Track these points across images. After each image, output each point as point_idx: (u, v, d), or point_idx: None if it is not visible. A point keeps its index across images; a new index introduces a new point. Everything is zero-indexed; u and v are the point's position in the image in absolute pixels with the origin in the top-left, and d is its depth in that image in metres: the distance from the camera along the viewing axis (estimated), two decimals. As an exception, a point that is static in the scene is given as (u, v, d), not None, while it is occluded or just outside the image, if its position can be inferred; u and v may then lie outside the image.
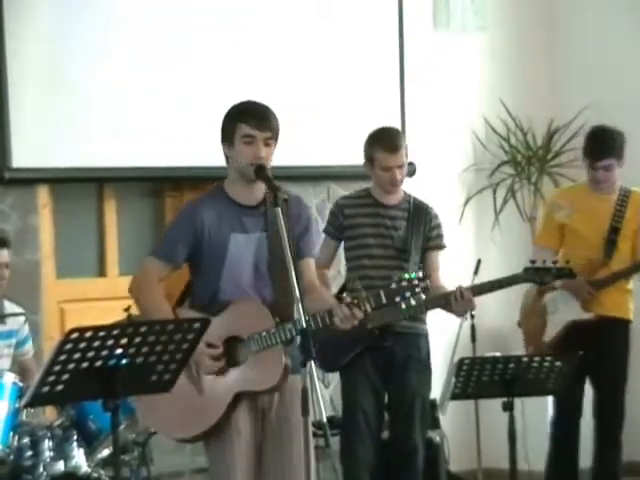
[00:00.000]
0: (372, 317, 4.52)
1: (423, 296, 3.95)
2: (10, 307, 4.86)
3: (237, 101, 4.06)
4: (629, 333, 5.37)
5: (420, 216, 4.96)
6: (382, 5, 6.36)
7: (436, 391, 5.22)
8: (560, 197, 5.70)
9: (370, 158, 4.91)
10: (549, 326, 5.34)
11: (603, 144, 5.34)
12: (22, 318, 4.88)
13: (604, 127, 5.46)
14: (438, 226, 5.01)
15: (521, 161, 6.59)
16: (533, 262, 4.90)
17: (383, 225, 4.92)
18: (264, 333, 3.84)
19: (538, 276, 4.88)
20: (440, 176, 6.42)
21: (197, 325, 3.67)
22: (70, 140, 5.49)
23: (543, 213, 5.78)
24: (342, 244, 4.99)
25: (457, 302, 4.74)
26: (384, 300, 3.86)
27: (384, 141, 4.90)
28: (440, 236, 5.00)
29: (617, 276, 5.26)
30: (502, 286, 4.91)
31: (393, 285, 3.85)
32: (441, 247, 5.00)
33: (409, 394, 4.92)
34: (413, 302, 3.89)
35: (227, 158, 4.03)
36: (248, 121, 3.95)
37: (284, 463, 3.94)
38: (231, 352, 3.93)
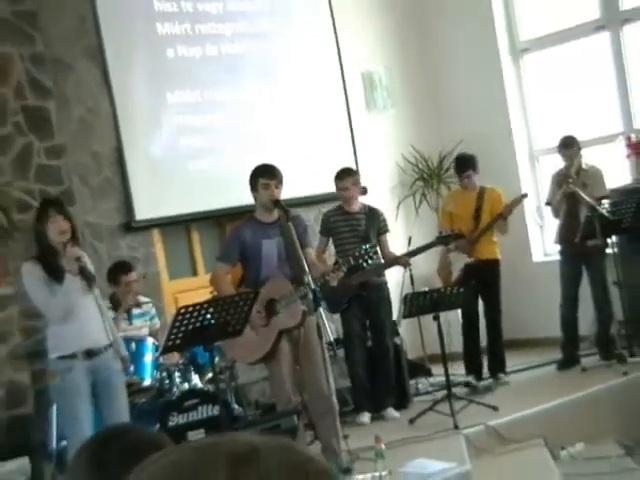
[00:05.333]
0: (356, 276, 4.55)
1: (375, 257, 4.01)
2: (144, 298, 4.84)
3: (259, 163, 4.11)
4: (499, 267, 5.25)
5: (373, 216, 4.95)
6: (335, 98, 6.24)
7: (395, 314, 5.21)
8: (448, 197, 5.69)
9: (335, 186, 4.93)
10: (455, 272, 5.24)
11: (465, 163, 5.31)
12: (150, 304, 4.84)
13: (464, 154, 5.45)
14: (384, 220, 5.01)
15: (427, 178, 6.51)
16: (440, 232, 4.96)
17: (352, 225, 4.90)
18: (288, 294, 3.85)
19: (444, 240, 4.92)
20: (381, 192, 6.34)
21: (252, 295, 3.71)
22: (168, 200, 5.40)
23: (440, 208, 5.72)
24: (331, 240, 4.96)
25: (401, 262, 4.82)
26: (352, 262, 3.89)
27: (340, 175, 4.92)
28: (386, 225, 5.00)
29: (481, 232, 5.17)
30: (424, 249, 4.96)
31: (356, 254, 3.89)
32: (388, 231, 4.99)
33: (381, 319, 4.92)
34: (370, 261, 3.93)
35: (255, 198, 4.05)
36: (264, 175, 3.99)
37: (312, 365, 3.96)
38: (271, 308, 3.94)
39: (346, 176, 4.87)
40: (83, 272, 3.51)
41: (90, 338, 3.52)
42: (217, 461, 0.48)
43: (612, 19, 6.04)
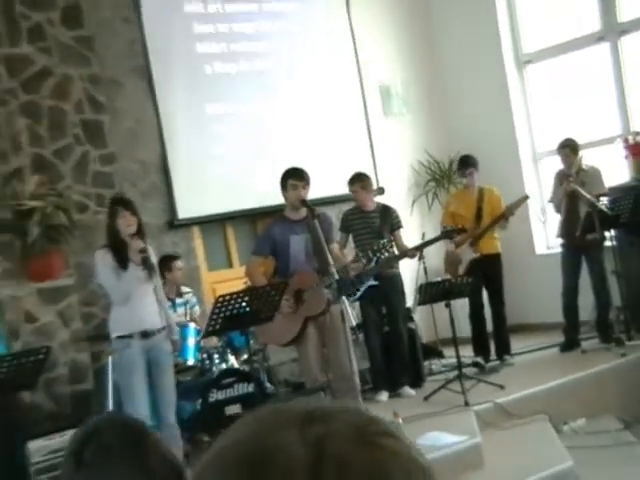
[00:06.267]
0: (373, 268, 4.57)
1: (391, 250, 4.03)
2: (185, 289, 4.89)
3: (289, 167, 4.17)
4: (500, 260, 5.21)
5: (386, 213, 4.96)
6: (356, 108, 6.27)
7: (410, 302, 5.22)
8: (451, 197, 5.66)
9: (349, 189, 4.95)
10: (461, 265, 5.17)
11: (467, 162, 5.30)
12: (191, 293, 4.89)
13: (467, 154, 5.42)
14: (397, 216, 5.00)
15: (438, 178, 6.50)
16: (445, 227, 5.00)
17: (367, 222, 4.90)
18: (314, 284, 3.90)
19: (448, 234, 4.94)
20: (398, 192, 6.34)
21: (282, 285, 3.77)
22: (206, 200, 5.47)
23: (444, 207, 5.72)
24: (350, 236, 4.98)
25: (409, 254, 4.81)
26: (371, 255, 3.92)
27: (350, 180, 4.93)
28: (399, 221, 4.99)
29: (483, 232, 5.14)
30: (432, 243, 4.97)
31: (375, 247, 3.92)
32: (401, 227, 4.98)
33: (394, 307, 4.91)
34: (386, 254, 3.96)
35: (285, 198, 4.10)
36: (293, 177, 4.03)
37: (337, 348, 4.01)
38: (299, 297, 3.99)
39: (355, 181, 4.92)
40: (145, 262, 3.65)
41: (146, 321, 3.65)
42: (290, 421, 0.48)
43: (611, 31, 6.02)
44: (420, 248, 4.91)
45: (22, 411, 3.65)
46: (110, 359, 3.99)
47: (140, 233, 3.68)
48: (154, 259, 3.80)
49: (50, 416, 4.31)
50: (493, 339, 5.27)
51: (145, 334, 3.63)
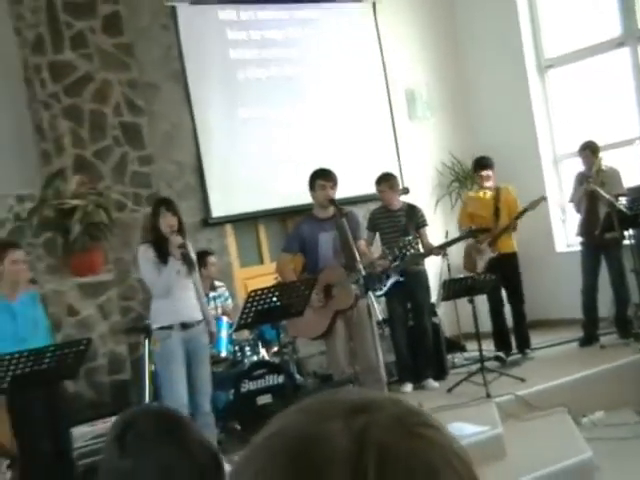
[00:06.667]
0: (399, 265, 4.58)
1: (416, 247, 4.03)
2: (218, 283, 4.90)
3: (317, 168, 4.20)
4: (517, 258, 5.19)
5: (412, 212, 4.95)
6: (381, 108, 6.29)
7: (434, 297, 5.23)
8: (468, 199, 5.57)
9: (377, 189, 4.96)
10: (479, 263, 5.14)
11: (483, 163, 5.28)
12: (224, 287, 4.91)
13: (483, 156, 5.40)
14: (422, 215, 4.99)
15: (461, 179, 6.50)
16: (470, 227, 4.99)
17: (393, 221, 4.90)
18: (342, 280, 3.92)
19: (471, 234, 4.94)
20: (422, 192, 6.35)
21: (311, 281, 3.81)
22: (239, 200, 5.53)
23: (461, 208, 5.59)
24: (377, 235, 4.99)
25: (434, 252, 4.83)
26: (396, 252, 3.93)
27: (377, 180, 4.94)
28: (424, 220, 4.97)
29: (500, 232, 5.11)
30: (457, 241, 4.97)
31: (400, 244, 3.93)
32: (426, 225, 4.96)
33: (419, 303, 4.91)
34: (412, 250, 3.96)
35: (313, 197, 4.13)
36: (321, 177, 4.05)
37: (364, 341, 4.02)
38: (328, 292, 4.02)
39: (382, 181, 4.94)
40: (185, 258, 3.71)
41: (185, 313, 3.69)
42: (335, 412, 0.48)
43: (631, 36, 5.98)
44: (445, 246, 4.93)
45: (65, 400, 3.73)
46: (146, 351, 4.04)
47: (181, 231, 3.73)
48: (193, 255, 3.84)
49: (91, 404, 4.40)
50: (513, 335, 5.25)
51: (184, 325, 3.68)
